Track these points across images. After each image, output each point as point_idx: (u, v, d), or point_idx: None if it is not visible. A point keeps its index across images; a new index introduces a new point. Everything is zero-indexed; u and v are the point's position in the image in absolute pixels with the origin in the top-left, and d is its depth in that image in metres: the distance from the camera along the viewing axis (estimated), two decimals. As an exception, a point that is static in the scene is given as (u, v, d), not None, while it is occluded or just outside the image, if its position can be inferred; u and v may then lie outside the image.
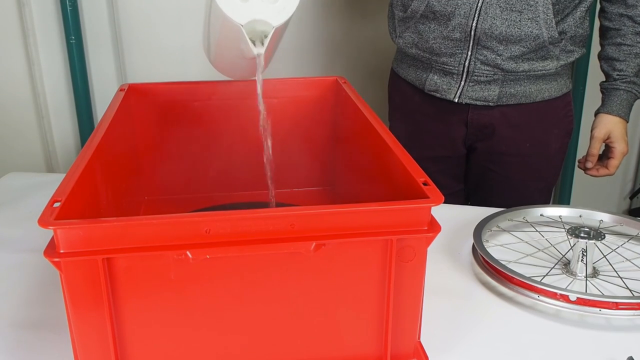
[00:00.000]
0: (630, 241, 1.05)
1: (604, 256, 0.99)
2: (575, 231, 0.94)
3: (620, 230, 1.08)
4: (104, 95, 1.83)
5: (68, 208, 0.67)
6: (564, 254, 1.00)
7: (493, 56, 1.20)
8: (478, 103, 1.26)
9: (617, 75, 1.24)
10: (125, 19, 1.77)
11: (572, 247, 0.97)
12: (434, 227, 0.69)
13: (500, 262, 0.92)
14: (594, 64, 1.73)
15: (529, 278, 0.88)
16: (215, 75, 1.12)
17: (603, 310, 0.84)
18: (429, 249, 0.70)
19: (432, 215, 0.69)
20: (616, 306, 0.84)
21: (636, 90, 1.25)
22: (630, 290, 0.90)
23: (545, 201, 1.38)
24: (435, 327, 0.82)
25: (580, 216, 1.09)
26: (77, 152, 1.85)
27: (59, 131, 1.86)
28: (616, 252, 1.01)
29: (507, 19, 1.16)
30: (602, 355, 0.79)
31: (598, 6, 1.28)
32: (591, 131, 1.28)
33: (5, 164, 1.84)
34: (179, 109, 1.15)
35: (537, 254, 1.01)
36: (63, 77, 1.80)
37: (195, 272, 0.67)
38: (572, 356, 0.79)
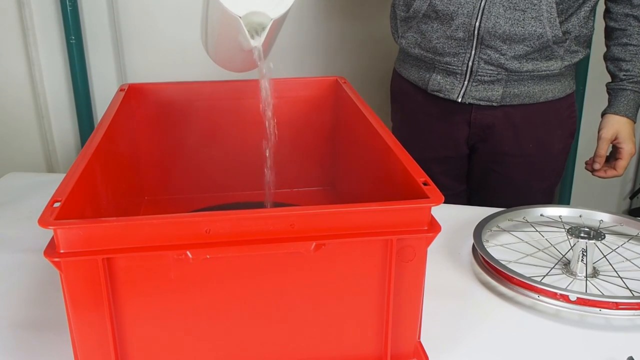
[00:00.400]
0: (630, 241, 1.05)
1: (604, 256, 0.99)
2: (575, 231, 0.94)
3: (620, 230, 1.08)
4: (104, 95, 1.83)
5: (68, 208, 0.67)
6: (564, 254, 1.00)
7: (497, 56, 1.20)
8: (481, 103, 1.26)
9: (624, 75, 1.24)
10: (125, 19, 1.77)
11: (572, 247, 0.97)
12: (434, 227, 0.69)
13: (500, 262, 0.92)
14: (594, 64, 1.73)
15: (529, 278, 0.88)
16: (215, 75, 1.12)
17: (603, 310, 0.84)
18: (429, 249, 0.70)
19: (432, 215, 0.69)
20: (616, 306, 0.84)
21: None
22: (630, 290, 0.90)
23: (547, 202, 1.38)
24: (435, 327, 0.82)
25: (580, 216, 1.09)
26: (77, 152, 1.85)
27: (59, 131, 1.86)
28: (616, 252, 1.01)
29: (510, 17, 1.16)
30: (602, 355, 0.79)
31: (602, 7, 1.28)
32: (598, 132, 1.28)
33: (5, 164, 1.84)
34: (179, 109, 1.15)
35: (537, 254, 1.01)
36: (63, 77, 1.80)
37: (195, 272, 0.67)
38: (572, 356, 0.79)
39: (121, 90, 1.09)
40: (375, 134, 0.91)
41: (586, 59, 1.82)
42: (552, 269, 0.96)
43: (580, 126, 1.90)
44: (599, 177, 1.31)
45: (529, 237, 1.05)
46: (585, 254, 0.93)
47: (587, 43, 1.27)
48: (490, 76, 1.22)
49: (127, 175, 1.08)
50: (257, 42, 0.84)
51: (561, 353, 0.80)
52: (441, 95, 1.28)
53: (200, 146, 1.17)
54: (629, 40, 1.23)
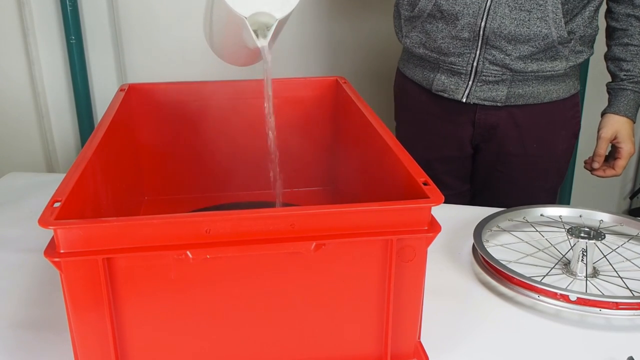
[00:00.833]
0: (630, 241, 1.05)
1: (604, 256, 0.99)
2: (575, 231, 0.94)
3: (620, 230, 1.08)
4: (104, 95, 1.83)
5: (68, 208, 0.67)
6: (564, 254, 1.00)
7: (502, 56, 1.20)
8: (486, 103, 1.26)
9: (624, 75, 1.24)
10: (125, 19, 1.77)
11: (572, 247, 0.97)
12: (434, 227, 0.69)
13: (501, 262, 0.92)
14: (594, 64, 1.73)
15: (529, 278, 0.88)
16: (215, 75, 1.12)
17: (603, 310, 0.84)
18: (429, 249, 0.70)
19: (432, 215, 0.69)
20: (616, 306, 0.84)
21: None
22: (631, 290, 0.90)
23: (550, 202, 1.38)
24: (435, 327, 0.82)
25: (580, 216, 1.09)
26: (77, 152, 1.85)
27: (59, 131, 1.86)
28: (616, 252, 1.01)
29: (516, 18, 1.16)
30: (602, 355, 0.79)
31: (604, 6, 1.28)
32: (598, 131, 1.28)
33: (5, 164, 1.84)
34: (179, 109, 1.15)
35: (537, 254, 1.01)
36: (63, 77, 1.80)
37: (195, 272, 0.67)
38: (572, 356, 0.79)
39: (121, 90, 1.09)
40: (376, 134, 0.91)
41: (586, 59, 1.82)
42: (552, 269, 0.96)
43: (581, 126, 1.90)
44: (598, 176, 1.31)
45: (529, 237, 1.05)
46: (585, 254, 0.93)
47: (592, 43, 1.27)
48: (494, 76, 1.22)
49: (127, 175, 1.08)
50: (263, 42, 0.84)
51: (561, 353, 0.80)
52: (445, 95, 1.28)
53: (201, 146, 1.17)
54: (630, 40, 1.23)
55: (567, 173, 1.44)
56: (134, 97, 1.11)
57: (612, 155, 1.28)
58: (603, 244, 0.97)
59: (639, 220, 1.06)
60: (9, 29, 1.74)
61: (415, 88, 1.35)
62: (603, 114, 1.29)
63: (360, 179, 1.05)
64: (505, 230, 1.08)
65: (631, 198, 2.17)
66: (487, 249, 0.96)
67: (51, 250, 0.63)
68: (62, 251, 0.63)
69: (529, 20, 1.16)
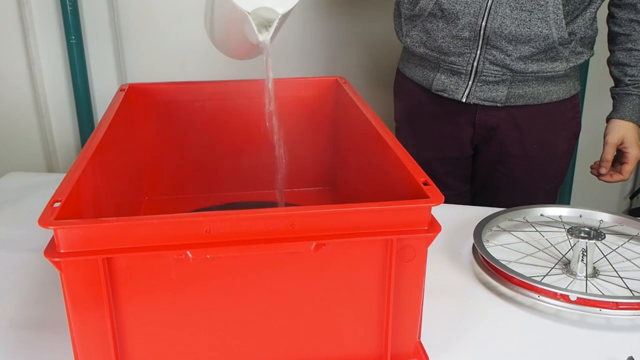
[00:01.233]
0: (630, 241, 1.05)
1: (604, 256, 0.99)
2: (575, 231, 0.94)
3: (620, 230, 1.08)
4: (104, 95, 1.83)
5: (68, 208, 0.67)
6: (564, 254, 1.00)
7: (502, 56, 1.20)
8: (486, 103, 1.26)
9: (629, 80, 1.24)
10: (125, 19, 1.77)
11: (572, 247, 0.97)
12: (434, 227, 0.69)
13: (501, 262, 0.92)
14: (594, 66, 1.73)
15: (529, 278, 0.88)
16: (215, 75, 1.12)
17: (603, 310, 0.84)
18: (429, 249, 0.70)
19: (432, 215, 0.69)
20: (616, 306, 0.84)
21: None
22: (631, 290, 0.90)
23: (551, 202, 1.38)
24: (435, 327, 0.82)
25: (580, 216, 1.09)
26: (77, 152, 1.85)
27: (59, 131, 1.86)
28: (616, 252, 1.01)
29: (517, 18, 1.16)
30: (602, 355, 0.79)
31: (605, 11, 1.28)
32: (604, 137, 1.28)
33: (5, 163, 1.84)
34: (179, 109, 1.15)
35: (537, 254, 1.01)
36: (63, 77, 1.80)
37: (195, 272, 0.67)
38: (572, 356, 0.79)
39: (121, 90, 1.09)
40: (376, 134, 0.91)
41: (586, 60, 1.83)
42: (552, 269, 0.96)
43: (581, 127, 1.90)
44: (605, 181, 1.31)
45: (529, 237, 1.05)
46: (585, 254, 0.93)
47: (592, 45, 1.27)
48: (495, 77, 1.22)
49: (127, 175, 1.08)
50: (265, 37, 0.85)
51: (561, 353, 0.80)
52: (445, 95, 1.28)
53: (200, 146, 1.17)
54: (634, 45, 1.23)
55: (567, 174, 1.44)
56: (134, 97, 1.11)
57: (619, 160, 1.28)
58: (603, 244, 0.97)
59: (639, 220, 1.06)
60: (9, 29, 1.74)
61: (415, 88, 1.35)
62: (609, 119, 1.29)
63: (360, 179, 1.05)
64: (505, 230, 1.08)
65: (631, 198, 2.17)
66: (487, 249, 0.96)
67: (51, 250, 0.63)
68: (62, 251, 0.63)
69: (529, 20, 1.16)
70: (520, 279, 0.88)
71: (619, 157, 1.28)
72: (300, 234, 0.66)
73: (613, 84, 1.29)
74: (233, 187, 1.21)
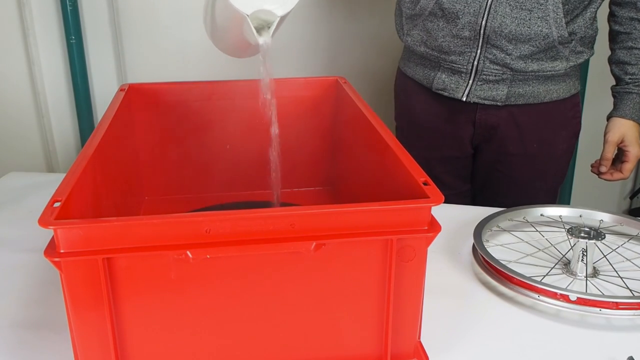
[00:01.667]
0: (630, 241, 1.05)
1: (604, 256, 0.99)
2: (575, 231, 0.94)
3: (620, 230, 1.08)
4: (104, 95, 1.83)
5: (68, 208, 0.67)
6: (564, 253, 1.00)
7: (502, 55, 1.20)
8: (486, 102, 1.26)
9: (630, 79, 1.24)
10: (125, 19, 1.77)
11: (572, 247, 0.97)
12: (434, 227, 0.69)
13: (501, 262, 0.92)
14: (594, 65, 1.73)
15: (529, 278, 0.88)
16: (215, 75, 1.12)
17: (603, 310, 0.84)
18: (429, 249, 0.70)
19: (432, 215, 0.69)
20: (616, 306, 0.84)
21: None
22: (631, 290, 0.90)
23: (551, 202, 1.38)
24: (435, 327, 0.82)
25: (580, 216, 1.09)
26: (77, 152, 1.85)
27: (59, 131, 1.86)
28: (616, 252, 1.01)
29: (516, 17, 1.16)
30: (602, 355, 0.79)
31: (606, 9, 1.28)
32: (604, 135, 1.28)
33: (5, 163, 1.84)
34: (179, 109, 1.15)
35: (537, 253, 1.01)
36: (63, 77, 1.80)
37: (195, 272, 0.67)
38: (572, 356, 0.79)
39: (121, 90, 1.09)
40: (376, 134, 0.91)
41: (587, 59, 1.83)
42: (552, 269, 0.96)
43: (581, 126, 1.90)
44: (605, 179, 1.31)
45: (529, 237, 1.05)
46: (585, 253, 0.93)
47: (592, 44, 1.27)
48: (495, 76, 1.22)
49: (127, 175, 1.08)
50: (265, 39, 0.85)
51: (561, 353, 0.80)
52: (446, 94, 1.28)
53: (200, 146, 1.17)
54: (634, 44, 1.23)
55: (567, 173, 1.44)
56: (134, 97, 1.11)
57: (619, 158, 1.28)
58: (603, 244, 0.97)
59: (639, 220, 1.06)
60: (9, 29, 1.74)
61: (416, 87, 1.35)
62: (609, 117, 1.29)
63: (360, 179, 1.05)
64: (505, 230, 1.08)
65: (631, 198, 2.17)
66: (487, 249, 0.96)
67: (51, 250, 0.63)
68: (62, 251, 0.63)
69: (529, 19, 1.16)
70: (520, 279, 0.88)
71: (619, 155, 1.28)
72: (300, 234, 0.66)
73: (614, 83, 1.30)
74: (233, 187, 1.21)
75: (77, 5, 1.70)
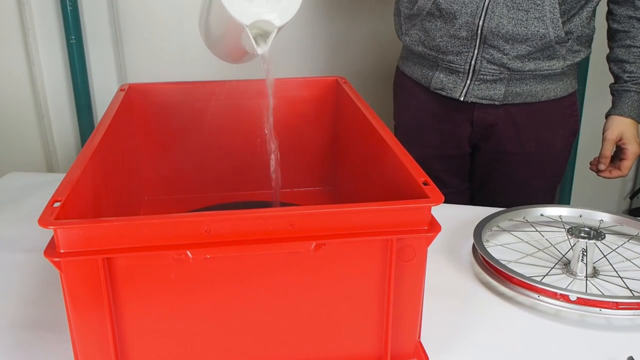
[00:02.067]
0: (630, 241, 1.05)
1: (604, 256, 0.99)
2: (575, 231, 0.94)
3: (620, 230, 1.08)
4: (104, 95, 1.83)
5: (68, 208, 0.67)
6: (564, 253, 1.00)
7: (499, 55, 1.20)
8: (484, 102, 1.26)
9: (628, 77, 1.25)
10: (125, 19, 1.77)
11: (572, 247, 0.97)
12: (434, 226, 0.69)
13: (501, 262, 0.92)
14: (594, 64, 1.73)
15: (529, 278, 0.88)
16: (215, 75, 1.12)
17: (603, 310, 0.84)
18: (429, 249, 0.70)
19: (432, 215, 0.69)
20: (616, 306, 0.84)
21: None
22: (631, 290, 0.90)
23: (549, 201, 1.38)
24: (435, 327, 0.82)
25: (580, 216, 1.09)
26: (77, 152, 1.85)
27: (59, 131, 1.86)
28: (616, 252, 1.01)
29: (513, 17, 1.16)
30: (602, 355, 0.79)
31: (604, 7, 1.28)
32: (603, 133, 1.28)
33: (5, 163, 1.84)
34: (179, 109, 1.15)
35: (537, 253, 1.01)
36: (63, 77, 1.80)
37: (195, 272, 0.67)
38: (572, 356, 0.79)
39: (121, 90, 1.09)
40: (376, 134, 0.91)
41: (586, 59, 1.83)
42: (552, 268, 0.96)
43: (581, 125, 1.90)
44: (604, 177, 1.31)
45: (529, 237, 1.05)
46: (585, 253, 0.93)
47: (589, 43, 1.27)
48: (492, 75, 1.23)
49: (127, 175, 1.08)
50: (264, 49, 0.84)
51: (561, 353, 0.80)
52: (443, 93, 1.28)
53: (200, 146, 1.17)
54: (633, 42, 1.23)
55: (565, 171, 1.44)
56: (134, 97, 1.11)
57: (618, 156, 1.29)
58: (603, 244, 0.97)
59: (639, 220, 1.06)
60: (9, 29, 1.74)
61: (414, 86, 1.36)
62: (607, 115, 1.29)
63: (360, 179, 1.05)
64: (505, 230, 1.08)
65: (631, 198, 2.17)
66: (487, 249, 0.96)
67: (51, 250, 0.63)
68: (62, 251, 0.63)
69: (526, 19, 1.16)
70: (520, 279, 0.88)
71: (618, 153, 1.29)
72: (300, 234, 0.66)
73: (613, 82, 1.30)
74: (233, 187, 1.21)
75: (77, 5, 1.70)
